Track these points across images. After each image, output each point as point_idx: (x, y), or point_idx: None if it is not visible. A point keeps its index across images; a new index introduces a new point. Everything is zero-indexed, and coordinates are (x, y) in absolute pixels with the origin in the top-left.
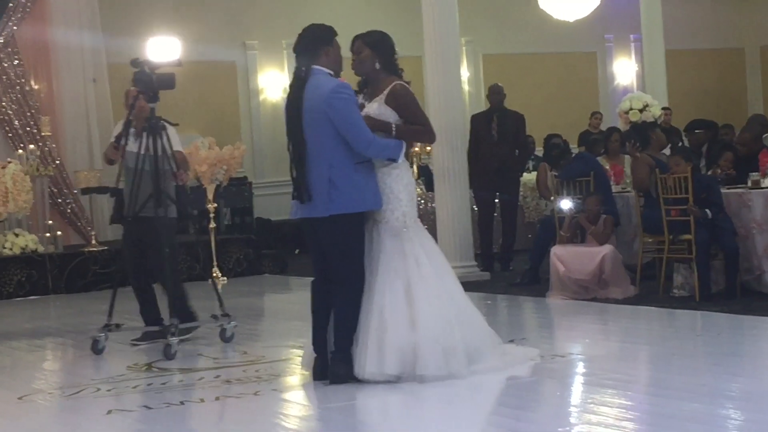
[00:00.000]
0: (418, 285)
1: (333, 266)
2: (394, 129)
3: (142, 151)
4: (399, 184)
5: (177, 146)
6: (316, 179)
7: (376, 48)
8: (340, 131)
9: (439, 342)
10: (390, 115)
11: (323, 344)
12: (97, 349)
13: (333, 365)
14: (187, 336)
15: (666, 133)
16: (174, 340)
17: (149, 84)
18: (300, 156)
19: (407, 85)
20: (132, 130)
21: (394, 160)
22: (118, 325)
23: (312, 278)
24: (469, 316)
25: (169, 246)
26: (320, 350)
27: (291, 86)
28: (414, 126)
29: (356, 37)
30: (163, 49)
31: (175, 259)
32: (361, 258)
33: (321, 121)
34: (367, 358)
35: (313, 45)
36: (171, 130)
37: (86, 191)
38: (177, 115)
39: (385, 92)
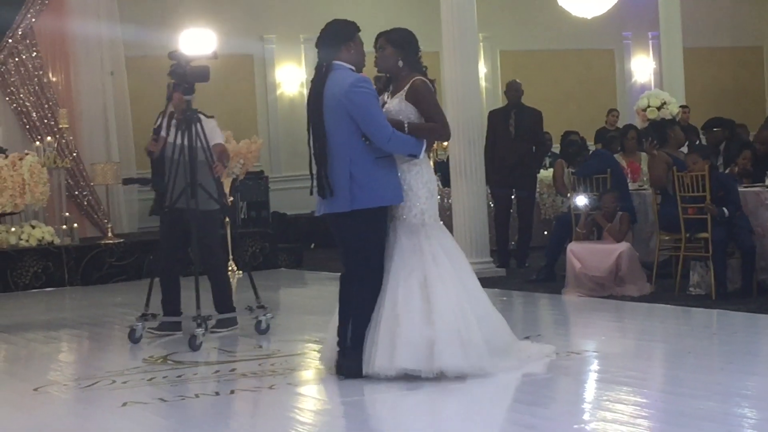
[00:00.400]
0: (435, 282)
1: (353, 261)
2: (406, 127)
3: (178, 143)
4: (418, 181)
5: (217, 139)
6: (338, 174)
7: (400, 46)
8: (360, 126)
9: (457, 334)
10: (411, 112)
11: (346, 339)
12: (134, 337)
13: (347, 360)
14: (226, 329)
15: (684, 132)
16: (200, 331)
17: (184, 76)
18: (321, 151)
19: (428, 81)
20: (173, 121)
21: (415, 156)
22: (154, 315)
23: (340, 273)
24: (488, 314)
25: (211, 238)
26: (343, 344)
27: (312, 81)
28: (427, 123)
29: (380, 35)
30: (197, 41)
31: (217, 251)
32: (382, 254)
33: (341, 116)
34: (377, 353)
35: (335, 40)
36: (211, 123)
37: (127, 181)
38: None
39: (405, 88)
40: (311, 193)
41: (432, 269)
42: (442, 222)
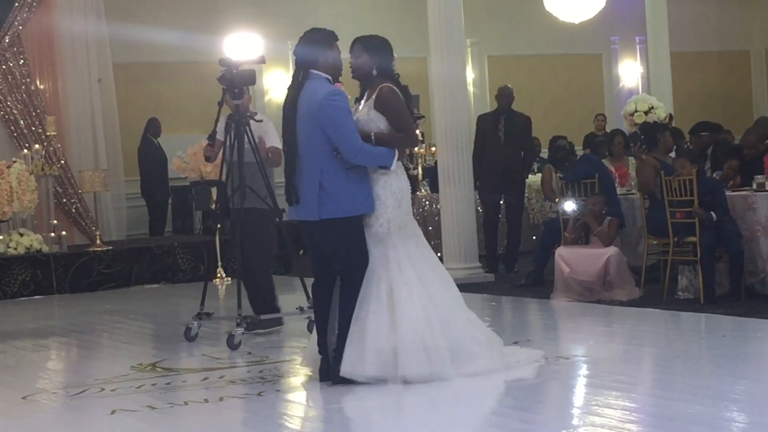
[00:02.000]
0: (399, 289)
1: (339, 267)
2: (373, 138)
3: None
4: (386, 191)
5: (273, 142)
6: (307, 183)
7: (374, 53)
8: (330, 138)
9: (420, 341)
10: (380, 120)
11: (326, 345)
12: (189, 336)
13: (334, 365)
14: (270, 329)
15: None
16: (239, 330)
17: (231, 81)
18: (291, 159)
19: (395, 89)
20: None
21: (387, 168)
22: (208, 314)
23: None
24: (454, 317)
25: (259, 238)
26: (324, 351)
27: (288, 88)
28: (394, 134)
29: (356, 41)
30: (243, 46)
31: (266, 251)
32: (359, 261)
33: (314, 127)
34: (347, 358)
35: (313, 48)
36: (268, 125)
37: (195, 184)
38: (183, 115)
39: (373, 96)
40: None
41: (396, 277)
42: (418, 225)
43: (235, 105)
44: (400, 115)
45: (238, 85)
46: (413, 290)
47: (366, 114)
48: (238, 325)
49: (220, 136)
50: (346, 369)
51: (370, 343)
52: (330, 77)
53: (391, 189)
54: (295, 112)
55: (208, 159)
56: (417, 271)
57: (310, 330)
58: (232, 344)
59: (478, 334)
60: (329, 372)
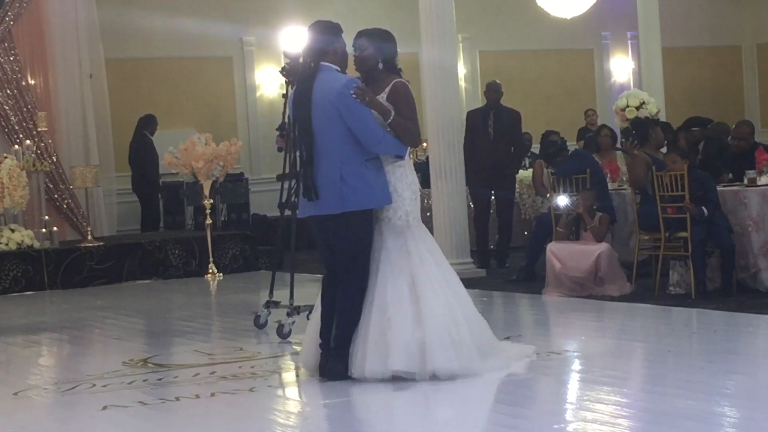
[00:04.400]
0: (423, 282)
1: (340, 262)
2: (392, 117)
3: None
4: (403, 183)
5: None
6: (327, 176)
7: (380, 47)
8: (351, 127)
9: (447, 335)
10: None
11: (329, 341)
12: (258, 323)
13: (331, 362)
14: None
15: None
16: (289, 320)
17: (294, 73)
18: (308, 153)
19: (408, 84)
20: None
21: (401, 157)
22: (276, 303)
23: (322, 275)
24: (474, 314)
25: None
26: (326, 346)
27: (298, 81)
28: (407, 123)
29: (361, 33)
30: (297, 39)
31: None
32: (368, 255)
33: (332, 117)
34: (368, 357)
35: (323, 40)
36: None
37: (281, 177)
38: (174, 111)
39: (387, 89)
40: (295, 196)
41: (419, 270)
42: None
43: None
44: (412, 110)
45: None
46: (436, 284)
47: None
48: (289, 315)
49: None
50: (369, 368)
51: (394, 338)
52: (339, 68)
53: (407, 181)
54: (309, 105)
55: (280, 150)
56: (439, 266)
57: (284, 336)
58: (282, 333)
59: (489, 330)
60: (328, 369)
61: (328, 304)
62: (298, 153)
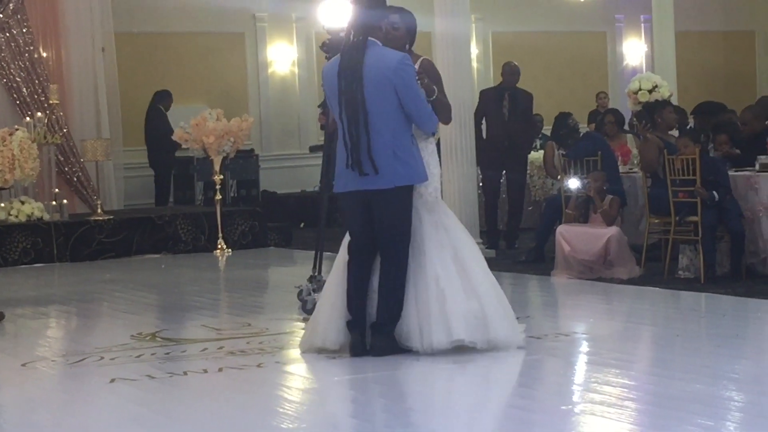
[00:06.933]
0: (465, 255)
1: (384, 238)
2: (436, 94)
3: None
4: (434, 159)
5: None
6: (379, 151)
7: (411, 30)
8: (404, 103)
9: (499, 306)
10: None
11: (363, 320)
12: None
13: (378, 338)
14: None
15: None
16: (312, 297)
17: (333, 49)
18: (363, 127)
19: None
20: None
21: (434, 133)
22: (319, 279)
23: (353, 251)
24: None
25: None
26: (360, 325)
27: (346, 56)
28: (444, 99)
29: (394, 12)
30: (337, 12)
31: None
32: (408, 230)
33: (386, 91)
34: (432, 329)
35: (375, 14)
36: None
37: (314, 149)
38: (185, 87)
39: (416, 66)
40: (347, 167)
41: (459, 244)
42: None
43: None
44: (442, 88)
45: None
46: (477, 255)
47: None
48: (314, 290)
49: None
50: (436, 339)
51: (452, 310)
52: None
53: (435, 158)
54: (361, 78)
55: (323, 128)
56: (469, 238)
57: (307, 312)
58: (306, 309)
59: None
60: (372, 346)
61: (358, 281)
62: (343, 127)
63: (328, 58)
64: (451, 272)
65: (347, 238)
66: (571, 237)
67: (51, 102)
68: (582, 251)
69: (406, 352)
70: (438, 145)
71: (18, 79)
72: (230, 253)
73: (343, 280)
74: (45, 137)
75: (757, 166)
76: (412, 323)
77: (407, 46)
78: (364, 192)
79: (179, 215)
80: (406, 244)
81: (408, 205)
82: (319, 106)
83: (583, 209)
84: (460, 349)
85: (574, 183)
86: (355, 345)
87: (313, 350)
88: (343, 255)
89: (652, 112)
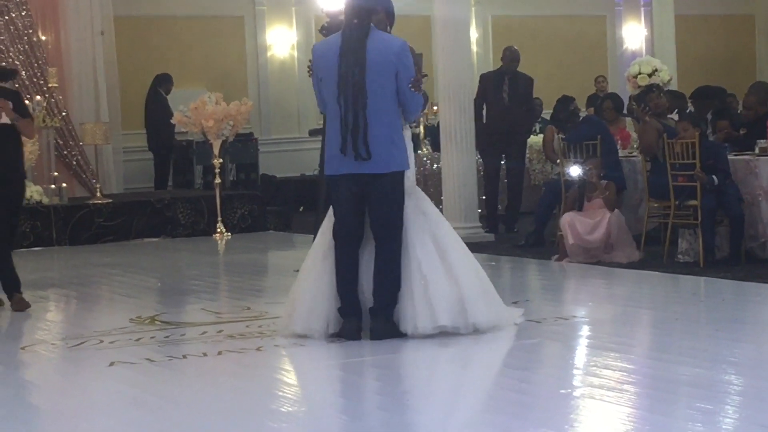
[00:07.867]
0: (444, 239)
1: (380, 222)
2: (424, 82)
3: None
4: (410, 147)
5: None
6: (378, 135)
7: (390, 13)
8: (401, 88)
9: (480, 288)
10: None
11: (357, 305)
12: None
13: (378, 322)
14: None
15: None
16: None
17: (331, 33)
18: (362, 110)
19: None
20: None
21: (414, 121)
22: None
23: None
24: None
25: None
26: (354, 310)
27: (347, 39)
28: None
29: None
30: None
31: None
32: (402, 216)
33: (387, 76)
34: (417, 314)
35: (372, 5)
36: None
37: (313, 132)
38: (184, 70)
39: None
40: (341, 151)
41: (438, 228)
42: (432, 188)
43: None
44: (419, 73)
45: None
46: (455, 240)
47: None
48: None
49: None
50: (421, 324)
51: (434, 295)
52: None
53: (411, 146)
54: (363, 62)
55: (323, 112)
56: (446, 223)
57: None
58: None
59: None
60: (358, 331)
61: (350, 266)
62: (340, 110)
63: None
64: (433, 257)
65: (327, 224)
66: (575, 225)
67: (50, 85)
68: (587, 240)
69: (404, 335)
70: (436, 128)
71: (17, 63)
72: (229, 237)
73: (324, 267)
74: (44, 120)
75: (756, 150)
76: (402, 306)
77: (387, 28)
78: (360, 175)
79: (178, 199)
80: (400, 227)
81: (401, 189)
82: None
83: (578, 196)
84: (456, 334)
85: (575, 170)
86: (350, 330)
87: (293, 337)
88: (321, 241)
89: (643, 100)
